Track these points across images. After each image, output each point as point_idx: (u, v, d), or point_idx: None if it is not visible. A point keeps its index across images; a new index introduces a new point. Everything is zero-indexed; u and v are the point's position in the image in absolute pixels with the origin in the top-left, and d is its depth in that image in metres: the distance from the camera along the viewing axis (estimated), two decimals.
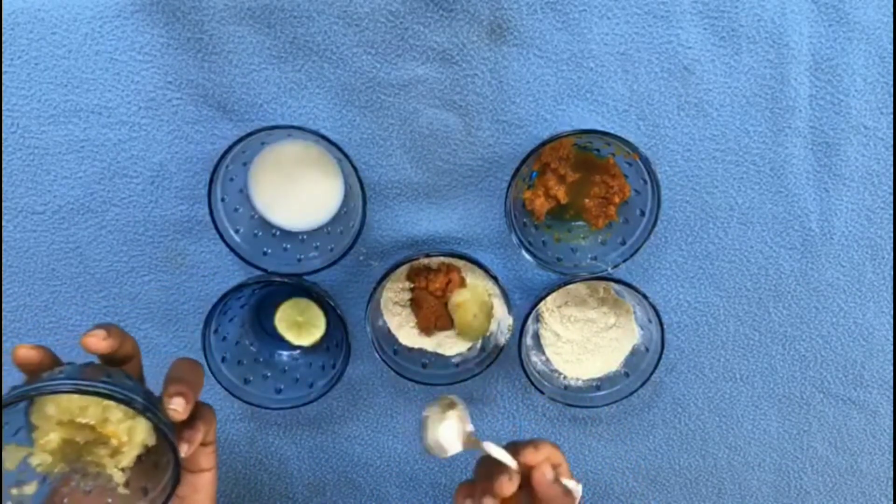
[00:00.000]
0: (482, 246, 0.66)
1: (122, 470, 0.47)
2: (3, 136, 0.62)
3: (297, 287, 0.64)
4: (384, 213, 0.65)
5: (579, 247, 0.64)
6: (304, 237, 0.63)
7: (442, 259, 0.64)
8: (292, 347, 0.67)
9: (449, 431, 0.52)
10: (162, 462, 0.47)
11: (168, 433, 0.44)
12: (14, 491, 0.45)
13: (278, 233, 0.63)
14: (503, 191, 0.63)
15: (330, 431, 0.70)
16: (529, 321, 0.63)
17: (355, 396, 0.69)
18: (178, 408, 0.46)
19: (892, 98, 0.63)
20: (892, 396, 0.69)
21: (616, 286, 0.65)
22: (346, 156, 0.57)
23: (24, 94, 0.61)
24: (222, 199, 0.60)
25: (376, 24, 0.60)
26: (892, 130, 0.64)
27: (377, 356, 0.63)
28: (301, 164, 0.61)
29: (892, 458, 0.70)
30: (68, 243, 0.65)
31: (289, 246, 0.63)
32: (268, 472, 0.70)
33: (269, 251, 0.62)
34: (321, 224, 0.63)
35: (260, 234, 0.62)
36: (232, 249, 0.60)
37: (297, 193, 0.62)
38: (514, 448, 0.51)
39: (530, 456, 0.50)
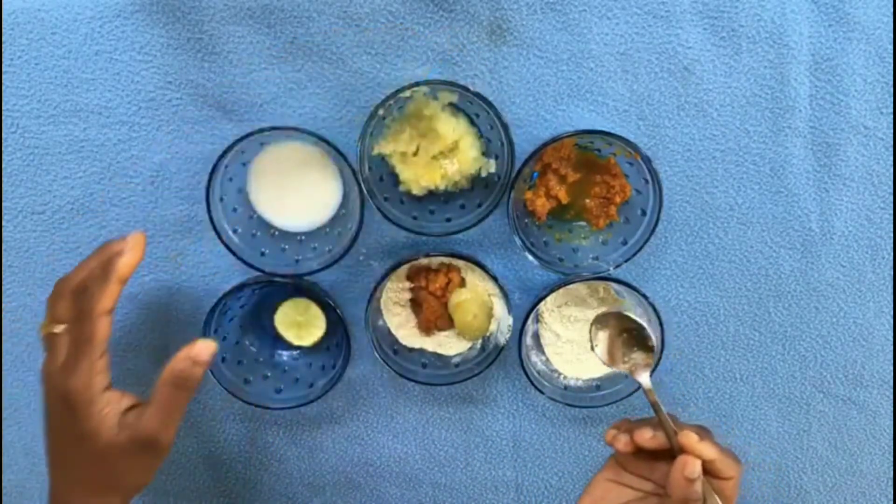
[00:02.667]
0: (482, 246, 0.66)
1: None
2: (3, 136, 0.62)
3: (297, 287, 0.64)
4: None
5: (580, 247, 0.64)
6: (303, 238, 0.63)
7: (442, 259, 0.64)
8: (292, 347, 0.67)
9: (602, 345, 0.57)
10: None
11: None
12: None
13: (276, 233, 0.63)
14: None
15: (330, 431, 0.70)
16: (529, 321, 0.63)
17: (355, 396, 0.69)
18: None
19: (892, 98, 0.63)
20: (892, 396, 0.69)
21: (616, 286, 0.65)
22: (344, 158, 0.57)
23: (24, 94, 0.61)
24: (221, 199, 0.60)
25: (376, 24, 0.60)
26: (892, 130, 0.64)
27: (377, 356, 0.63)
28: (300, 165, 0.61)
29: (892, 458, 0.70)
30: (68, 243, 0.65)
31: (287, 247, 0.63)
32: (268, 472, 0.70)
33: (267, 251, 0.62)
34: (319, 225, 0.63)
35: (258, 234, 0.62)
36: (229, 249, 0.60)
37: (296, 194, 0.62)
38: (683, 426, 0.53)
39: (691, 442, 0.50)
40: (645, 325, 0.55)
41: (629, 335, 0.56)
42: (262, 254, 0.61)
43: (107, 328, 0.51)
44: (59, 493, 0.53)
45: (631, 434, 0.52)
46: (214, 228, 0.59)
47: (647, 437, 0.52)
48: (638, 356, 0.56)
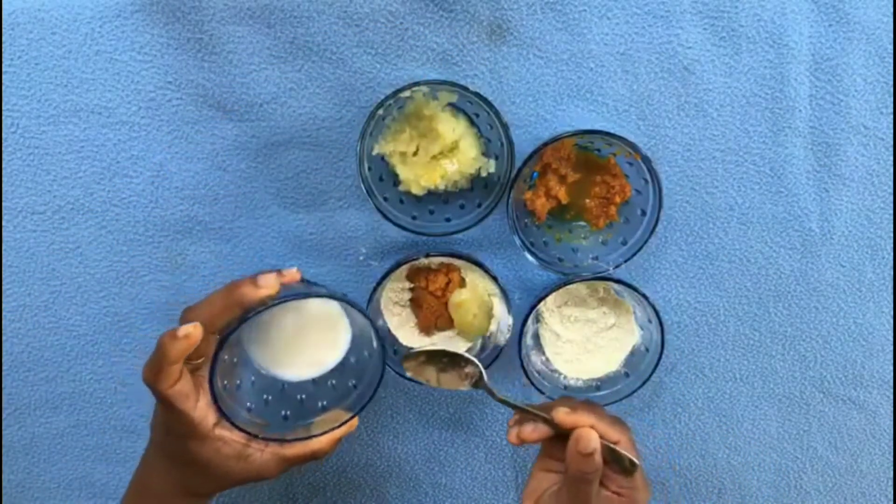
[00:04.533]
0: (482, 246, 0.66)
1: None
2: (3, 136, 0.62)
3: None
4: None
5: (580, 247, 0.64)
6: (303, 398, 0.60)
7: (442, 259, 0.64)
8: None
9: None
10: None
11: None
12: None
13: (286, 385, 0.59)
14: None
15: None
16: (529, 321, 0.63)
17: None
18: None
19: (892, 98, 0.63)
20: (892, 396, 0.69)
21: (616, 286, 0.65)
22: (364, 314, 0.54)
23: (24, 94, 0.61)
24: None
25: (376, 24, 0.60)
26: (892, 130, 0.64)
27: None
28: (309, 318, 0.58)
29: (892, 458, 0.70)
30: (68, 243, 0.65)
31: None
32: None
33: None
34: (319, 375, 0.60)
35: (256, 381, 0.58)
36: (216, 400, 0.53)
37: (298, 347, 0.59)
38: (554, 405, 0.55)
39: (563, 416, 0.53)
40: (449, 349, 0.59)
41: (448, 359, 0.59)
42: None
43: (177, 390, 0.50)
44: (156, 484, 0.55)
45: (518, 432, 0.55)
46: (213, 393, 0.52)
47: (528, 431, 0.54)
48: (470, 370, 0.59)
